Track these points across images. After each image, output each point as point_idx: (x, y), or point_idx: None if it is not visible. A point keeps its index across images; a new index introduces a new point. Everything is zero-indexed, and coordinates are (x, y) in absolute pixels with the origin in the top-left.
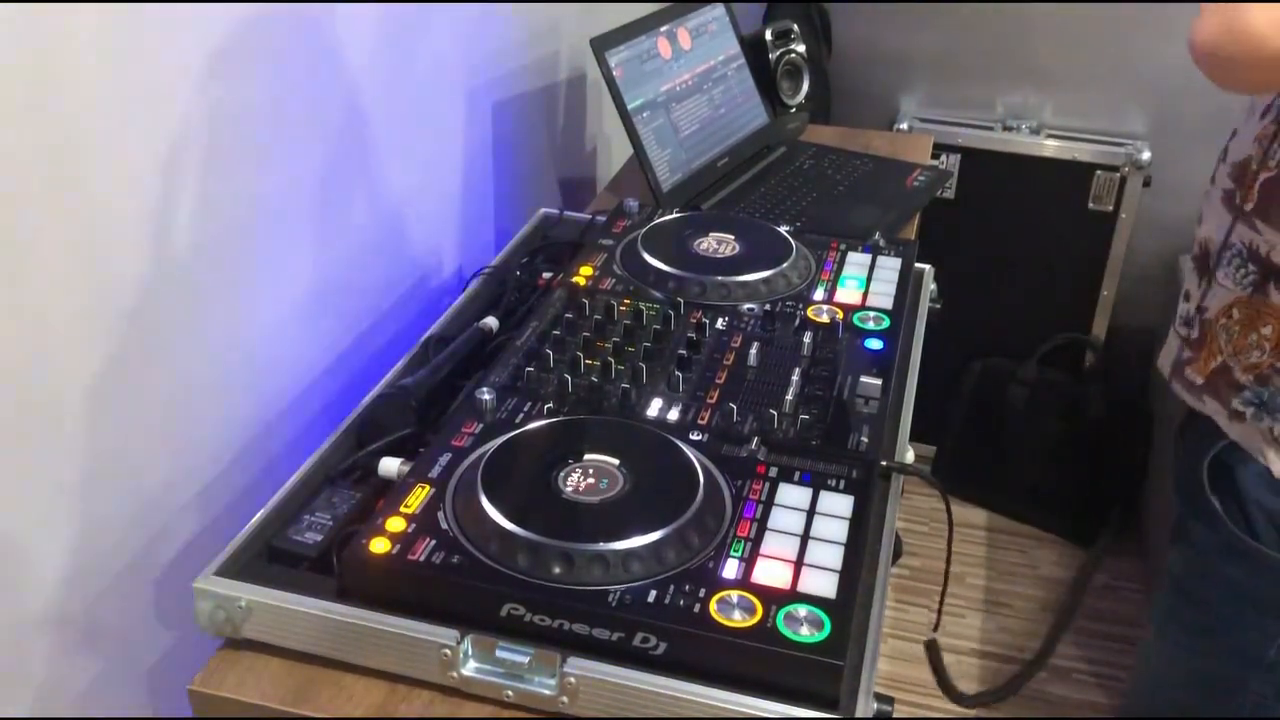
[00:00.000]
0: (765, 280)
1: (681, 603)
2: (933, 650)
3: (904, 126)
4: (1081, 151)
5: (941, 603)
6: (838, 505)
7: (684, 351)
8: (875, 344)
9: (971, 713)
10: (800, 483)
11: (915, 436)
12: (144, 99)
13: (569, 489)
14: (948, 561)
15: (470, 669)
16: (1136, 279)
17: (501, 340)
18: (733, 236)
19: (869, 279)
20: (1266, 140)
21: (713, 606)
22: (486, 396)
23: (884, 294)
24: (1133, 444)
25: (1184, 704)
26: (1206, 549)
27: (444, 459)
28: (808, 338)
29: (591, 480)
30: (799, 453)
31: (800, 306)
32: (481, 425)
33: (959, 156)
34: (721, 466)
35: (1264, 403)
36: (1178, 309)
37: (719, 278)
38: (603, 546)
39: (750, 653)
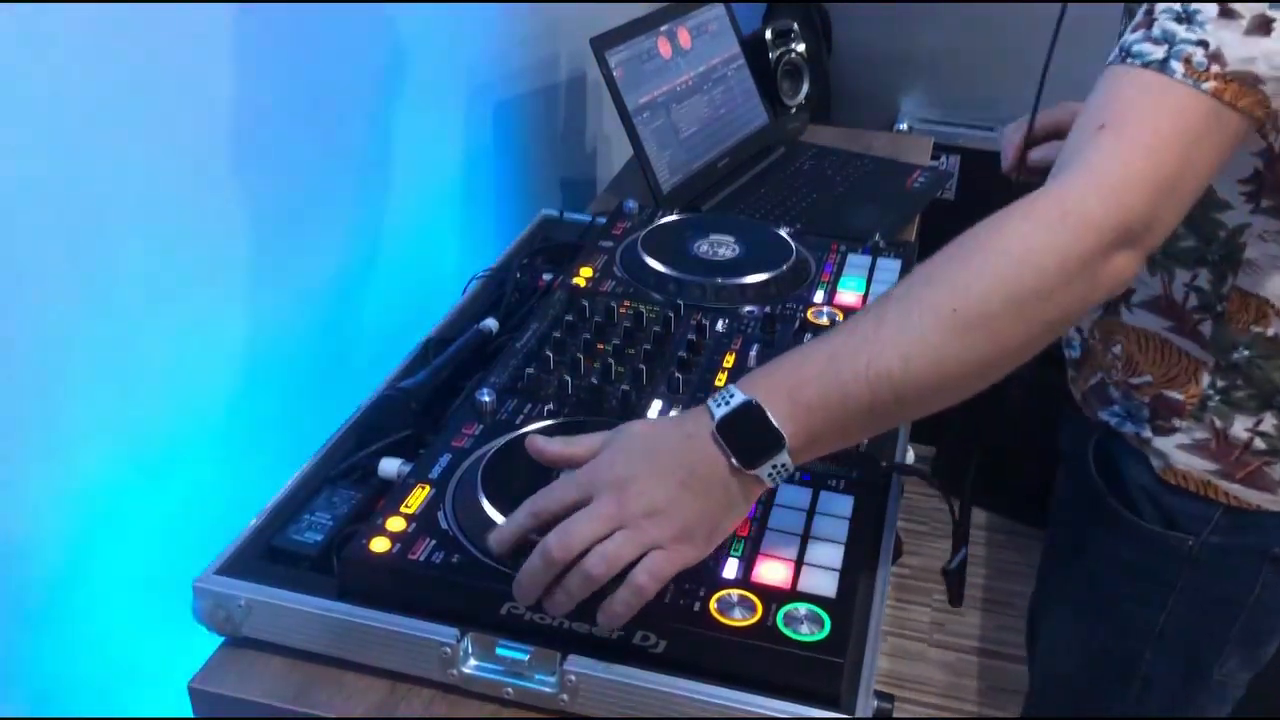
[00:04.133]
0: (765, 282)
1: (681, 601)
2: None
3: (904, 127)
4: None
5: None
6: (838, 505)
7: (684, 353)
8: None
9: (972, 714)
10: (800, 482)
11: (915, 436)
12: (143, 98)
13: None
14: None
15: (470, 667)
16: None
17: (502, 342)
18: (733, 238)
19: (869, 281)
20: None
21: (713, 605)
22: (486, 398)
23: None
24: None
25: (1081, 689)
26: (1084, 524)
27: (444, 459)
28: (808, 340)
29: None
30: None
31: (800, 309)
32: (481, 426)
33: (959, 157)
34: None
35: (1129, 414)
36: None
37: (719, 280)
38: None
39: (750, 651)
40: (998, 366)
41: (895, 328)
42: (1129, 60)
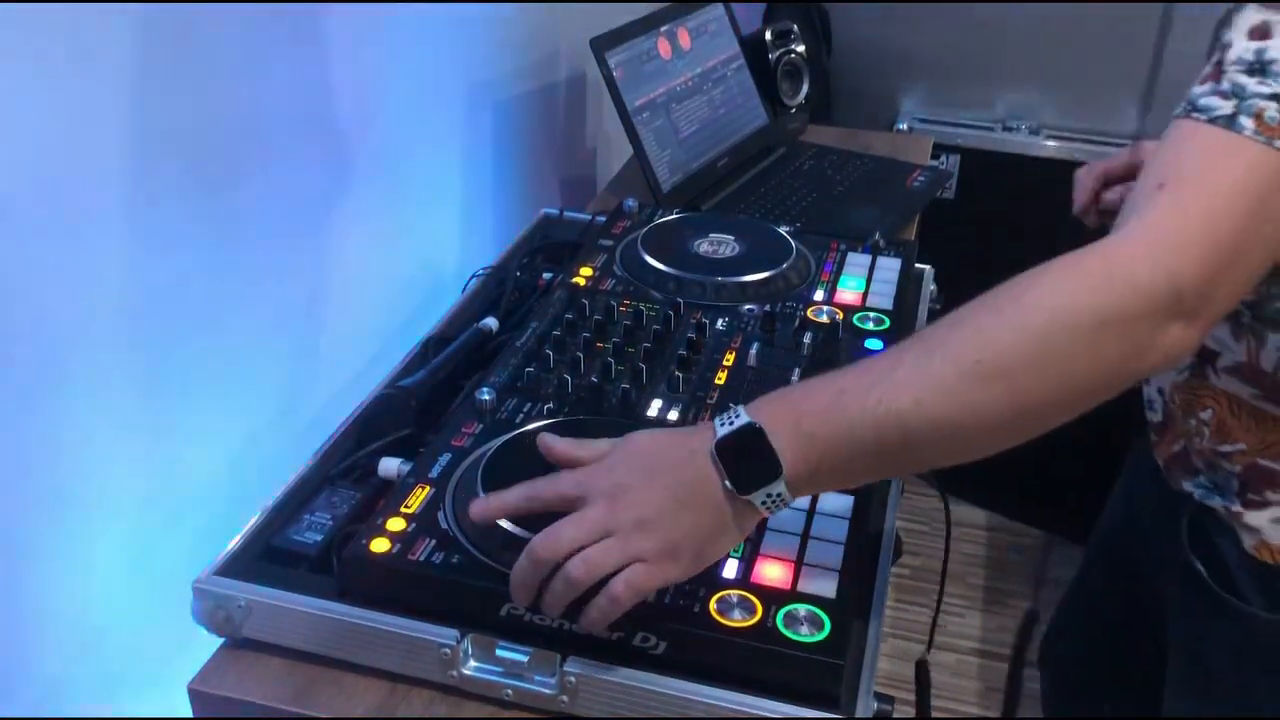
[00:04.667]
0: (765, 281)
1: (681, 602)
2: (922, 671)
3: (904, 127)
4: (1081, 152)
5: (936, 613)
6: (838, 505)
7: (684, 352)
8: (875, 344)
9: (971, 715)
10: None
11: None
12: (142, 98)
13: None
14: (944, 569)
15: (470, 668)
16: None
17: (501, 340)
18: (732, 237)
19: (869, 279)
20: None
21: (713, 606)
22: (486, 397)
23: (884, 294)
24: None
25: None
26: (1195, 613)
27: (444, 459)
28: (808, 338)
29: None
30: None
31: (800, 307)
32: (481, 425)
33: (959, 157)
34: None
35: (1216, 485)
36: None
37: (719, 278)
38: None
39: (750, 652)
40: (1017, 427)
41: (913, 369)
42: (1195, 115)
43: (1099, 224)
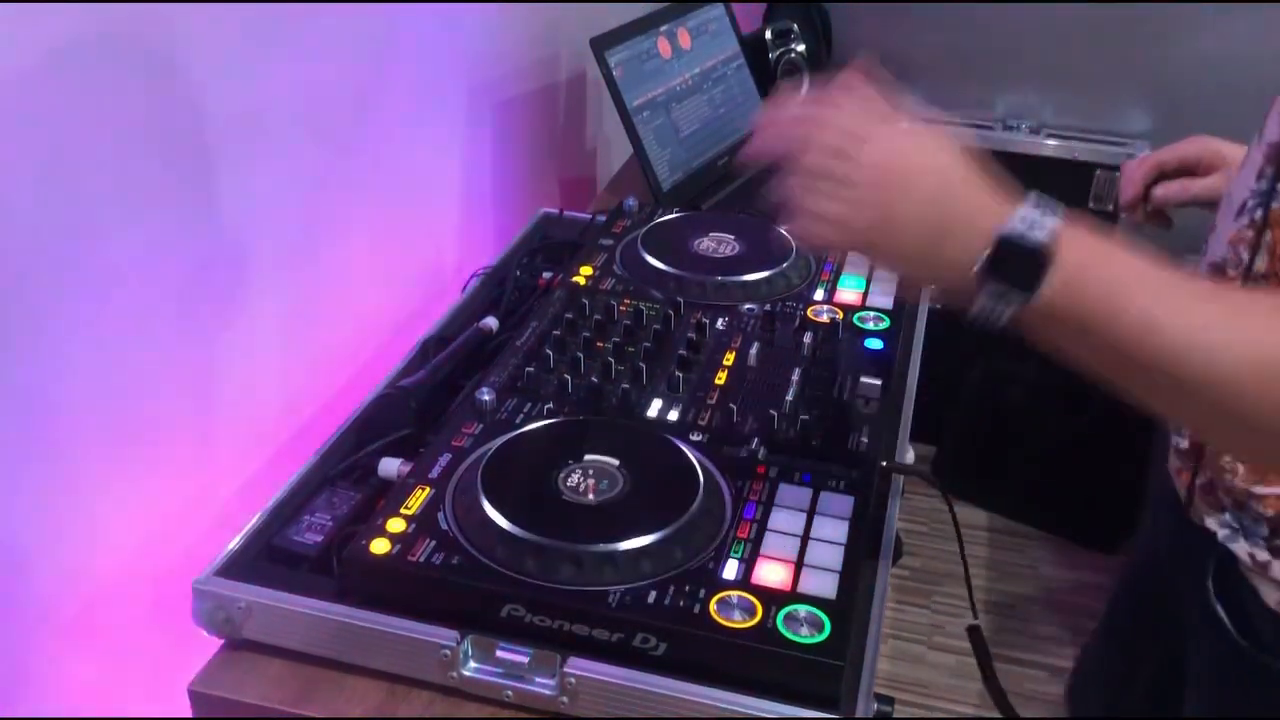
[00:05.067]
0: (765, 280)
1: (682, 603)
2: (976, 635)
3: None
4: (1081, 151)
5: (970, 592)
6: (838, 505)
7: (684, 352)
8: (875, 344)
9: (971, 715)
10: (800, 483)
11: (915, 436)
12: (141, 98)
13: (569, 490)
14: (962, 552)
15: (470, 669)
16: None
17: (501, 340)
18: (733, 236)
19: (869, 279)
20: (1242, 246)
21: (713, 607)
22: (486, 397)
23: (884, 294)
24: (1133, 444)
25: None
26: (1216, 655)
27: (444, 459)
28: (808, 338)
29: (592, 481)
30: (799, 453)
31: (800, 307)
32: (481, 426)
33: None
34: (721, 467)
35: (1243, 527)
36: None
37: (719, 278)
38: (603, 547)
39: (750, 653)
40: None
41: (1211, 312)
42: None
43: (1146, 220)
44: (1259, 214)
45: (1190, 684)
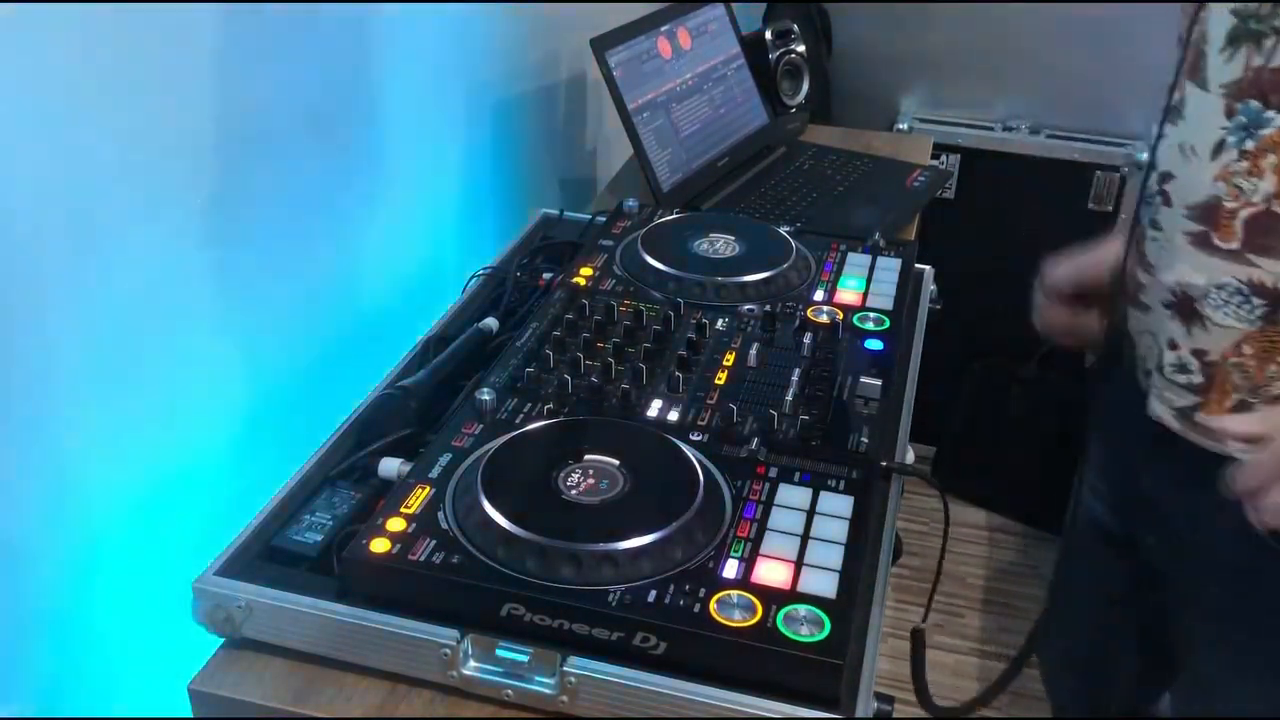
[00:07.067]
0: (765, 281)
1: (682, 602)
2: (918, 639)
3: (904, 127)
4: (1081, 151)
5: (931, 596)
6: (838, 505)
7: (684, 352)
8: (875, 344)
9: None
10: (800, 483)
11: (915, 436)
12: (141, 99)
13: (569, 489)
14: (940, 559)
15: (470, 668)
16: None
17: (501, 341)
18: (733, 237)
19: (869, 280)
20: (1238, 177)
21: (713, 606)
22: (486, 397)
23: (884, 295)
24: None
25: None
26: (1247, 572)
27: (444, 459)
28: (808, 338)
29: (592, 481)
30: (799, 453)
31: (800, 307)
32: (481, 426)
33: (959, 157)
34: (721, 467)
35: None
36: (1155, 360)
37: (719, 278)
38: (603, 546)
39: (750, 652)
40: None
41: None
42: None
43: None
44: (1249, 144)
45: (1206, 608)
